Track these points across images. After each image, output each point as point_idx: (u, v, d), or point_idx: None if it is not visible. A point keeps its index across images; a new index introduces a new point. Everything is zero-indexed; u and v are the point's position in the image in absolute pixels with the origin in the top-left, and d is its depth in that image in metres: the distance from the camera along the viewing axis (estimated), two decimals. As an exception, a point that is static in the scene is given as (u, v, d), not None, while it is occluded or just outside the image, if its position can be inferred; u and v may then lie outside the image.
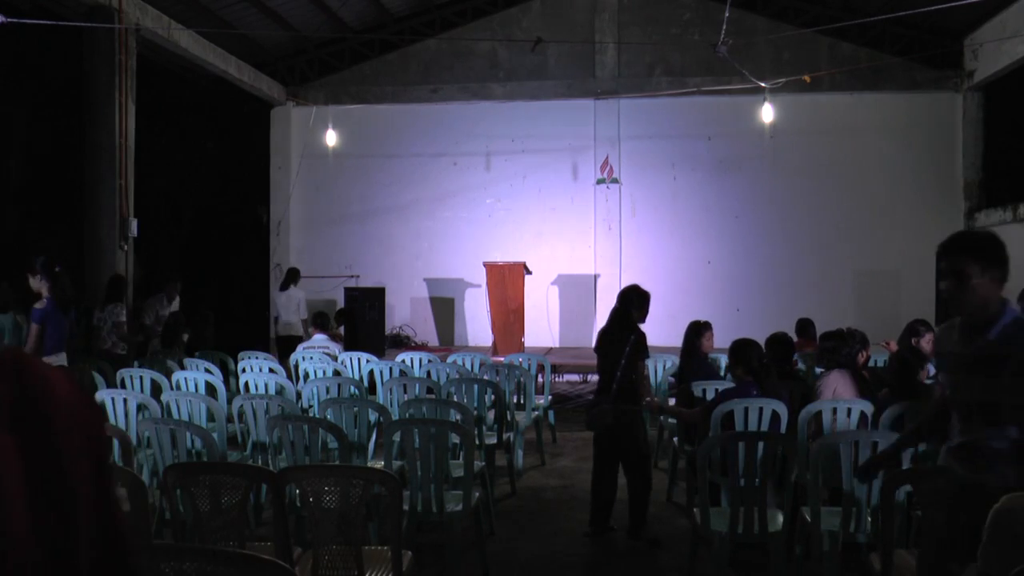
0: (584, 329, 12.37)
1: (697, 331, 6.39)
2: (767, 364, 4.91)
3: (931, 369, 5.70)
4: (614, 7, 12.40)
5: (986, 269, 2.56)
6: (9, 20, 7.06)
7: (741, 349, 4.88)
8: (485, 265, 10.90)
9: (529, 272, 10.94)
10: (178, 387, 6.06)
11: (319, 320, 8.73)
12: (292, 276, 10.87)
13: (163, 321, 9.03)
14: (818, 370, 5.68)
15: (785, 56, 12.01)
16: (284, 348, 9.90)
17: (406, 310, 12.90)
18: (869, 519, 3.77)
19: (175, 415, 5.16)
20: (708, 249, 12.28)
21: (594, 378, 12.34)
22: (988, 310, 2.60)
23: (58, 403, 0.91)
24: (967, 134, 11.86)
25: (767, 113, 10.90)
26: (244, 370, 7.12)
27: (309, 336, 8.84)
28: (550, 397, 8.05)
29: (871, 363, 7.02)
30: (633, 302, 5.19)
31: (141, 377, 6.22)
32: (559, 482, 6.56)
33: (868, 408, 4.69)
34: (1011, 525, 2.08)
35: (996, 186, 11.75)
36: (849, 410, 4.65)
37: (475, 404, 5.82)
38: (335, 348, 8.20)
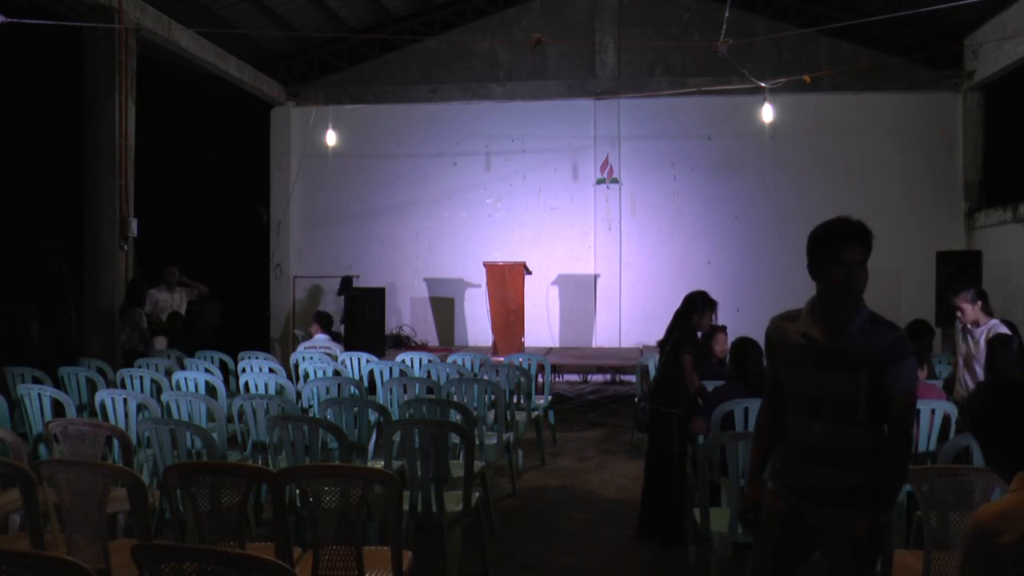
0: (584, 329, 12.38)
1: (708, 334, 6.14)
2: (760, 365, 4.91)
3: (933, 368, 5.71)
4: (614, 7, 12.41)
5: (867, 258, 2.53)
6: (9, 20, 7.06)
7: (735, 348, 4.91)
8: (485, 265, 10.90)
9: (529, 272, 10.94)
10: (178, 387, 6.06)
11: (321, 320, 8.74)
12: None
13: (164, 308, 9.14)
14: None
15: (785, 56, 12.02)
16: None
17: (406, 310, 12.90)
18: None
19: (175, 415, 5.15)
20: (708, 249, 12.28)
21: (594, 378, 12.39)
22: (856, 303, 2.54)
23: None
24: (967, 134, 11.86)
25: (767, 113, 10.90)
26: (244, 370, 7.12)
27: (310, 336, 8.84)
28: (550, 397, 8.04)
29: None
30: (696, 306, 5.15)
31: (141, 377, 6.22)
32: (559, 482, 6.56)
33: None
34: (990, 538, 1.86)
35: (996, 186, 11.75)
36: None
37: (475, 404, 5.82)
38: (336, 348, 8.21)
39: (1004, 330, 5.35)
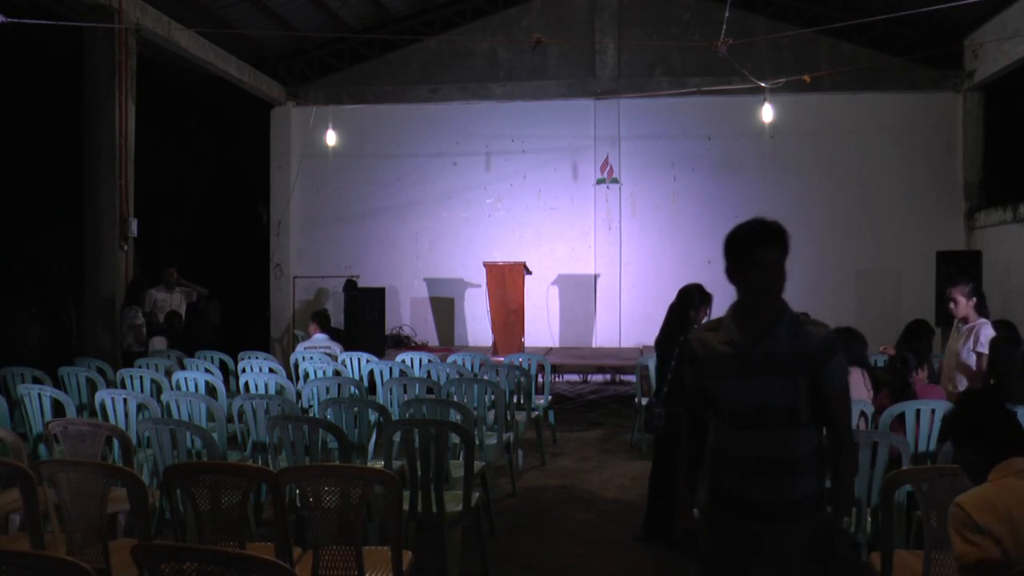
0: (584, 329, 12.37)
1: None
2: None
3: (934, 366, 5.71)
4: (614, 7, 12.41)
5: (786, 260, 2.50)
6: (9, 20, 7.06)
7: None
8: (485, 265, 10.90)
9: (529, 272, 10.94)
10: (178, 387, 6.07)
11: (319, 319, 8.72)
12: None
13: (163, 308, 9.17)
14: None
15: (785, 56, 12.01)
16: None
17: (406, 310, 12.90)
18: (869, 519, 3.76)
19: (175, 415, 5.15)
20: (708, 249, 12.25)
21: (594, 378, 12.39)
22: (779, 305, 2.49)
23: None
24: (967, 134, 11.86)
25: (767, 113, 10.90)
26: (244, 370, 7.12)
27: (308, 336, 8.84)
28: (550, 397, 8.04)
29: (871, 364, 7.02)
30: (693, 300, 5.01)
31: (141, 377, 6.23)
32: (559, 482, 6.56)
33: (868, 408, 4.69)
34: (975, 522, 2.18)
35: (996, 186, 11.75)
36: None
37: (475, 404, 5.82)
38: (336, 348, 8.20)
39: (990, 330, 5.35)
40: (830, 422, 2.47)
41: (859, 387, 4.87)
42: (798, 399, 2.40)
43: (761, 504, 2.44)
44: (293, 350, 9.30)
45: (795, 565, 2.46)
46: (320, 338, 8.32)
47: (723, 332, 2.53)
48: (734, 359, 2.46)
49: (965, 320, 5.53)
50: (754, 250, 2.47)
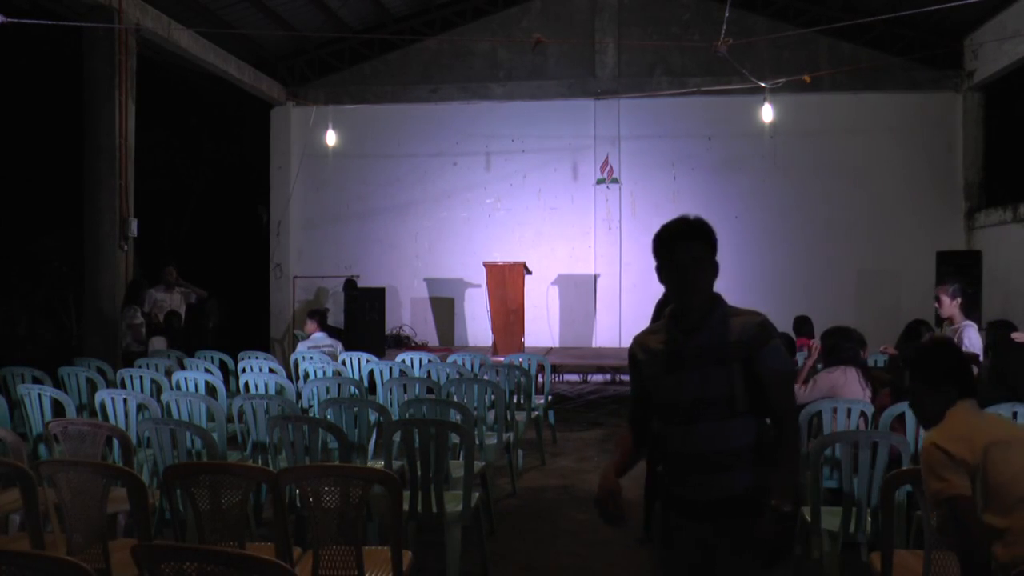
0: (584, 329, 12.37)
1: None
2: None
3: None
4: (614, 7, 12.40)
5: (713, 255, 2.46)
6: (9, 20, 7.06)
7: None
8: (485, 265, 10.90)
9: (529, 272, 10.94)
10: (178, 387, 6.06)
11: (317, 317, 8.71)
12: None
13: (162, 308, 9.17)
14: (819, 367, 5.69)
15: (785, 56, 12.01)
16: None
17: (406, 310, 12.90)
18: (869, 519, 3.76)
19: (175, 415, 5.15)
20: (708, 249, 12.27)
21: (594, 378, 12.39)
22: (707, 300, 2.47)
23: None
24: (967, 134, 11.86)
25: (767, 113, 10.90)
26: (244, 370, 7.12)
27: (307, 336, 8.84)
28: (550, 397, 8.04)
29: (871, 364, 7.02)
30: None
31: (141, 377, 6.22)
32: (559, 482, 6.56)
33: (868, 408, 4.69)
34: (951, 454, 2.40)
35: (996, 186, 11.75)
36: (849, 410, 4.65)
37: (475, 404, 5.82)
38: (337, 346, 8.20)
39: (974, 333, 5.37)
40: (771, 409, 2.42)
41: (854, 386, 4.88)
42: (734, 387, 2.38)
43: (701, 502, 2.44)
44: (293, 350, 9.30)
45: (740, 565, 2.40)
46: (319, 337, 8.28)
47: (661, 333, 2.54)
48: (670, 355, 2.47)
49: (951, 321, 5.55)
50: (674, 248, 2.43)
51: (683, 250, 2.42)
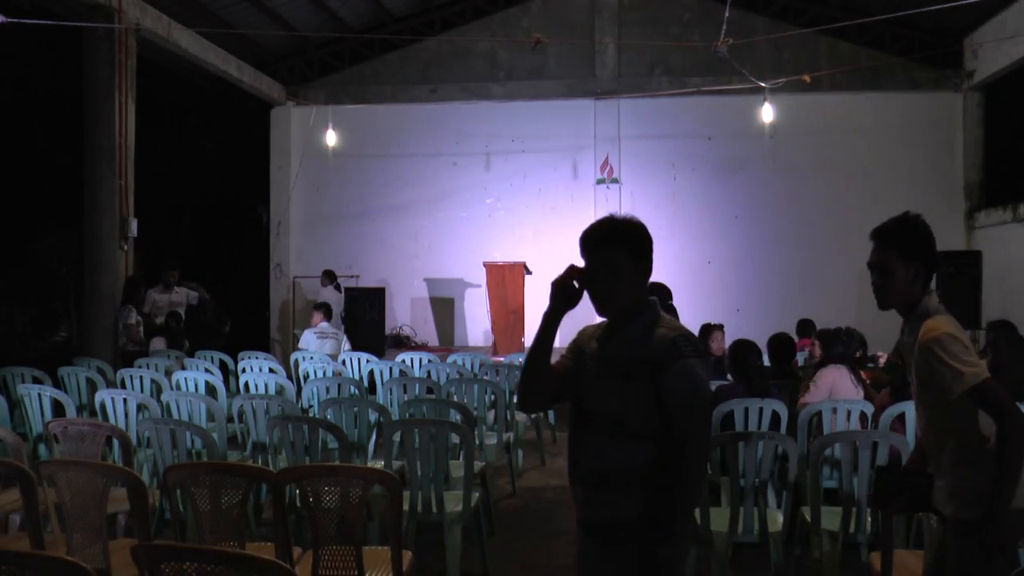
0: (584, 329, 12.36)
1: (705, 332, 6.39)
2: (760, 365, 4.93)
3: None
4: (614, 7, 12.40)
5: (637, 260, 2.28)
6: (9, 20, 7.06)
7: (733, 350, 4.93)
8: (485, 265, 10.89)
9: (529, 272, 10.93)
10: (178, 387, 6.06)
11: (324, 309, 8.81)
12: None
13: (162, 309, 9.16)
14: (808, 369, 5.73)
15: (785, 56, 12.01)
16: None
17: (406, 310, 12.90)
18: (869, 519, 3.77)
19: (175, 415, 5.15)
20: (708, 249, 12.27)
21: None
22: (632, 307, 2.29)
23: None
24: (967, 134, 11.86)
25: (767, 113, 10.90)
26: (244, 370, 7.12)
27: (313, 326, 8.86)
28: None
29: (871, 364, 7.02)
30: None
31: (141, 377, 6.23)
32: (559, 482, 6.56)
33: (868, 408, 4.69)
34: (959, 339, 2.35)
35: (996, 186, 11.75)
36: (849, 411, 4.65)
37: (475, 404, 5.82)
38: (342, 334, 8.31)
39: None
40: (672, 436, 2.15)
41: (847, 383, 4.94)
42: (628, 407, 2.18)
43: (591, 522, 2.27)
44: (294, 350, 9.31)
45: None
46: (325, 326, 8.43)
47: (598, 330, 2.41)
48: (589, 358, 2.34)
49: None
50: (587, 254, 2.28)
51: (596, 257, 2.26)
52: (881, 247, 2.53)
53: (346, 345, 8.51)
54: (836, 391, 4.92)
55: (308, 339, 8.45)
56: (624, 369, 2.22)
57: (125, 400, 5.15)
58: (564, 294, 2.31)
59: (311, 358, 7.57)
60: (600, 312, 2.33)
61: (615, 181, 12.37)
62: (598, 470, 2.22)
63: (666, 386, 2.16)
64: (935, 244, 2.52)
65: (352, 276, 12.41)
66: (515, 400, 6.84)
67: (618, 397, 2.20)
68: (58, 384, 6.24)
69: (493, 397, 6.02)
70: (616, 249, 2.25)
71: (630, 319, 2.28)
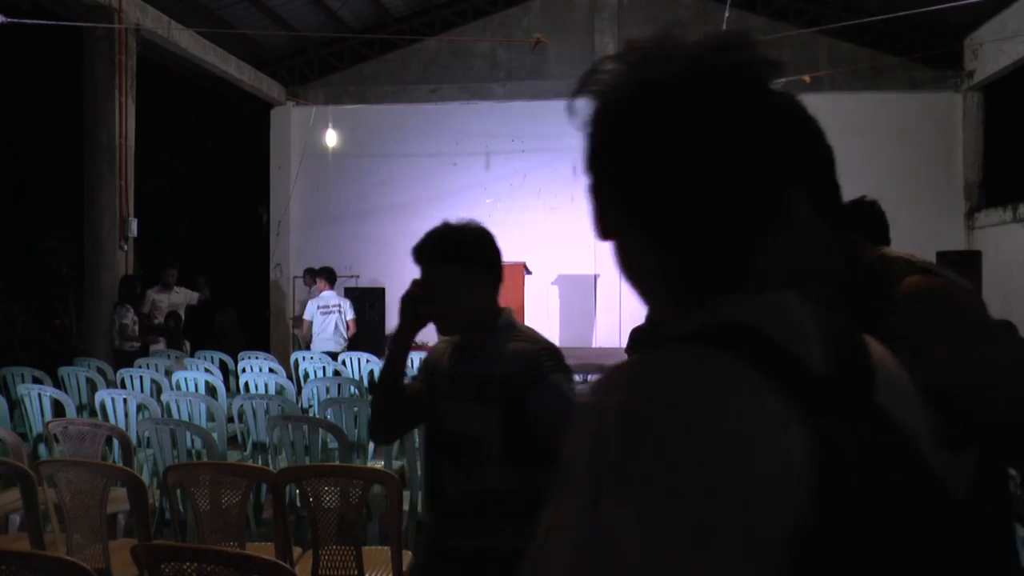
0: (584, 329, 12.36)
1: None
2: None
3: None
4: (614, 7, 12.40)
5: (480, 272, 2.06)
6: (9, 20, 7.06)
7: None
8: (485, 265, 10.88)
9: (529, 272, 10.93)
10: (178, 387, 6.07)
11: (327, 275, 8.83)
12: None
13: (162, 310, 9.15)
14: None
15: (785, 56, 11.88)
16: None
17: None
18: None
19: (175, 415, 5.16)
20: (708, 249, 12.26)
21: (594, 378, 12.39)
22: (481, 323, 2.06)
23: None
24: (967, 134, 11.85)
25: (767, 113, 10.88)
26: (244, 370, 7.13)
27: (316, 294, 8.85)
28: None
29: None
30: None
31: (141, 377, 6.23)
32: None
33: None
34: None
35: (996, 186, 11.75)
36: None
37: (475, 404, 5.81)
38: (346, 304, 8.34)
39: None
40: (543, 459, 1.84)
41: None
42: (487, 431, 1.94)
43: (451, 551, 2.00)
44: (294, 349, 9.32)
45: None
46: (329, 295, 8.43)
47: (449, 346, 2.16)
48: (441, 378, 2.11)
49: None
50: (423, 267, 2.06)
51: (429, 272, 2.05)
52: None
53: (349, 314, 8.52)
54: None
55: (312, 311, 8.51)
56: (480, 390, 1.99)
57: (125, 400, 5.15)
58: (412, 311, 2.07)
59: (311, 358, 7.57)
60: (440, 330, 2.13)
61: (615, 181, 12.37)
62: (466, 498, 1.99)
63: (532, 409, 1.92)
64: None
65: (352, 276, 12.41)
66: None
67: (474, 421, 1.97)
68: (58, 384, 6.25)
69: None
70: (450, 262, 2.03)
71: (483, 334, 2.05)
